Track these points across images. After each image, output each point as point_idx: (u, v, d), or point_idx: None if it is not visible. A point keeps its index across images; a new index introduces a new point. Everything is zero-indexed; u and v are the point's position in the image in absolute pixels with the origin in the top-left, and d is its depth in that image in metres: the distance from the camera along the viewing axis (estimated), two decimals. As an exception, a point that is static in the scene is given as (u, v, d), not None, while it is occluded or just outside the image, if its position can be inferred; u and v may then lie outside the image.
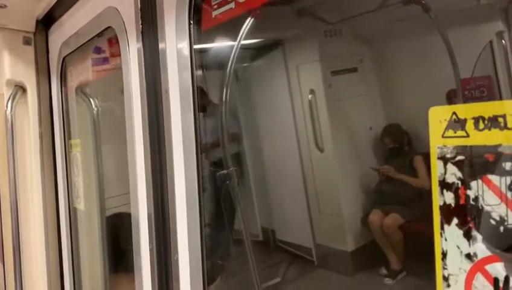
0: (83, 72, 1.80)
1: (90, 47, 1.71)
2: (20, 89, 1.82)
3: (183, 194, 1.02)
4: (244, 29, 2.34)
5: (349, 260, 3.93)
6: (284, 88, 4.32)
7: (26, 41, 1.79)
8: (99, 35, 1.59)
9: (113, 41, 1.75)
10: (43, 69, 1.86)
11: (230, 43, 2.78)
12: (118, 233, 1.93)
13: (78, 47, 1.64)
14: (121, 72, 1.73)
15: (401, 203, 3.67)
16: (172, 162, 1.08)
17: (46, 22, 1.84)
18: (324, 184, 4.22)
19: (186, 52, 1.06)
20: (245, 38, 2.44)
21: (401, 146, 3.73)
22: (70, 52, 1.69)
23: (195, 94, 1.06)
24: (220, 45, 3.11)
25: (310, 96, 4.01)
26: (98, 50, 1.79)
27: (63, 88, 1.80)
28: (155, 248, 1.11)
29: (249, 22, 2.33)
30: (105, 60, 1.78)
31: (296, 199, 4.41)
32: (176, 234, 1.05)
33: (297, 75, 4.17)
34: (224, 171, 2.36)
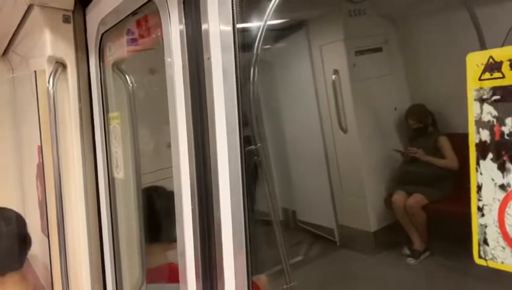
0: (119, 48, 1.87)
1: (127, 24, 1.77)
2: (61, 65, 1.91)
3: (225, 155, 1.09)
4: (271, 8, 2.37)
5: (372, 240, 3.97)
6: (307, 69, 4.33)
7: (66, 20, 1.88)
8: (135, 13, 1.65)
9: (142, 22, 1.81)
10: (81, 46, 1.94)
11: (257, 23, 2.81)
12: (153, 205, 2.02)
13: (116, 24, 1.71)
14: (153, 51, 1.80)
15: (424, 183, 3.68)
16: (215, 131, 1.14)
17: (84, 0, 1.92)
18: (347, 165, 4.24)
19: (229, 27, 1.11)
20: (271, 19, 2.48)
21: (426, 126, 3.73)
22: (108, 28, 1.77)
23: (238, 71, 1.12)
24: (247, 24, 3.14)
25: (333, 76, 4.02)
26: (129, 31, 1.86)
27: (101, 64, 1.88)
28: (197, 207, 1.18)
29: (275, 1, 2.36)
30: (135, 41, 1.85)
31: (318, 180, 4.45)
32: (218, 192, 1.12)
33: (321, 55, 4.18)
34: (253, 147, 2.42)
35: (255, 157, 2.53)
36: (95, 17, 1.87)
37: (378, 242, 4.00)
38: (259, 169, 2.76)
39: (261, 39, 2.64)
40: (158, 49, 1.48)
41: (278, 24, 4.07)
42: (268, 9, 2.39)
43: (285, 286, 2.64)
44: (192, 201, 1.21)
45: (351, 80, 3.98)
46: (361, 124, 4.05)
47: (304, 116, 4.53)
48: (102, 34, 1.84)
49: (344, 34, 3.95)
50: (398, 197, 3.81)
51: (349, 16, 3.89)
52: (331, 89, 4.11)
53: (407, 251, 3.73)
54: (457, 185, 3.42)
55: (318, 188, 4.50)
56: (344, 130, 4.15)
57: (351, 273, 3.76)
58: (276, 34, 4.28)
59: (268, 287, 2.42)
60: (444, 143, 3.60)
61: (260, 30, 2.64)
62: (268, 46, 4.31)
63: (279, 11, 2.31)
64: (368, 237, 4.04)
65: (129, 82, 2.01)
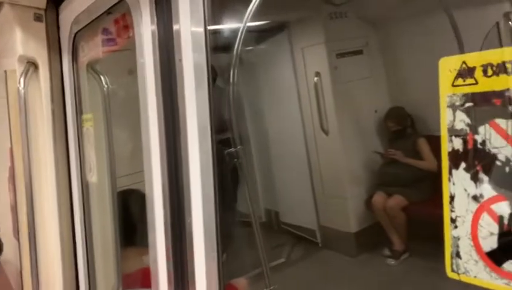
0: (94, 48, 1.83)
1: (101, 23, 1.73)
2: (32, 65, 1.85)
3: (197, 159, 1.06)
4: (251, 9, 2.35)
5: (353, 241, 3.99)
6: (289, 71, 4.33)
7: (37, 18, 1.82)
8: (109, 12, 1.61)
9: (120, 21, 1.77)
10: (54, 46, 1.89)
11: (237, 24, 2.79)
12: (128, 208, 1.97)
13: (89, 23, 1.66)
14: (131, 52, 1.76)
15: (404, 185, 3.71)
16: (186, 134, 1.11)
17: (57, -2, 1.87)
18: (329, 166, 4.25)
19: (200, 28, 1.08)
20: (251, 20, 2.45)
21: (405, 129, 3.76)
22: (82, 28, 1.72)
23: (209, 73, 1.10)
24: (225, 26, 3.12)
25: (315, 78, 4.02)
26: (106, 31, 1.81)
27: (74, 64, 1.83)
28: (169, 212, 1.15)
29: (255, 2, 2.34)
30: (113, 40, 1.81)
31: (300, 181, 4.45)
32: (190, 198, 1.09)
33: (303, 57, 4.17)
34: (233, 149, 2.39)
35: (235, 160, 2.50)
36: (68, 16, 1.82)
37: (359, 243, 4.02)
38: (239, 171, 2.74)
39: (241, 41, 2.61)
40: (134, 49, 1.44)
41: (259, 26, 4.05)
42: (248, 11, 2.37)
43: (264, 290, 2.62)
44: (164, 205, 1.18)
45: (332, 82, 3.99)
46: (343, 126, 4.06)
47: (287, 118, 4.52)
48: (76, 34, 1.79)
49: (326, 36, 3.95)
50: (378, 198, 3.83)
51: (331, 18, 3.90)
52: (313, 91, 4.11)
53: (387, 252, 3.75)
54: (436, 186, 3.45)
55: (300, 189, 4.50)
56: (326, 132, 4.15)
57: (332, 274, 3.76)
58: (257, 36, 4.26)
59: (248, 291, 2.39)
60: (423, 145, 3.63)
61: (240, 32, 2.62)
62: (250, 48, 4.30)
63: (260, 13, 2.29)
64: (349, 238, 4.06)
65: (104, 83, 1.96)
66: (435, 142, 3.47)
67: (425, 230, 3.54)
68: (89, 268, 1.92)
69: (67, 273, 1.97)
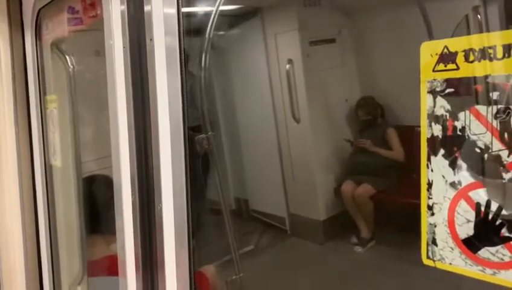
0: (59, 26, 1.74)
1: (67, 1, 1.65)
2: (-8, 42, 1.75)
3: (167, 144, 1.02)
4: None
5: (321, 229, 4.03)
6: (261, 57, 4.29)
7: (-2, -8, 1.72)
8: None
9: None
10: (16, 22, 1.78)
11: (209, 8, 2.73)
12: (94, 194, 1.92)
13: (54, -1, 1.58)
14: (97, 32, 1.69)
15: (373, 174, 3.76)
16: (157, 118, 1.08)
17: (19, -29, 1.76)
18: (299, 155, 4.27)
19: (173, 10, 1.04)
20: (224, 4, 2.40)
21: (375, 118, 3.81)
22: (46, 4, 1.63)
23: (183, 56, 1.06)
24: (197, 9, 3.05)
25: (287, 66, 4.01)
26: (72, 9, 1.73)
27: (38, 42, 1.74)
28: (138, 198, 1.11)
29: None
30: (79, 19, 1.73)
31: (271, 169, 4.45)
32: (160, 183, 1.05)
33: (276, 44, 4.14)
34: (203, 136, 2.36)
35: (206, 146, 2.47)
36: (31, -10, 1.72)
37: (327, 231, 4.07)
38: (210, 158, 2.71)
39: (213, 24, 2.56)
40: (102, 30, 1.38)
41: (232, 10, 3.99)
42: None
43: (234, 277, 2.62)
44: (132, 191, 1.14)
45: (304, 70, 3.98)
46: (314, 114, 4.07)
47: (258, 106, 4.49)
48: (39, 10, 1.70)
49: (299, 23, 3.93)
50: (347, 186, 3.88)
51: (305, 5, 3.89)
52: (285, 78, 4.09)
53: (354, 240, 3.81)
54: (404, 176, 3.52)
55: (270, 177, 4.51)
56: (297, 120, 4.15)
57: (300, 261, 3.80)
58: (230, 21, 4.20)
59: (217, 278, 2.38)
60: (392, 135, 3.69)
61: (212, 15, 2.57)
62: (222, 33, 4.23)
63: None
64: (317, 226, 4.10)
65: (69, 64, 1.88)
66: (404, 132, 3.54)
67: (392, 218, 3.62)
68: (53, 255, 1.86)
69: (30, 260, 1.90)
